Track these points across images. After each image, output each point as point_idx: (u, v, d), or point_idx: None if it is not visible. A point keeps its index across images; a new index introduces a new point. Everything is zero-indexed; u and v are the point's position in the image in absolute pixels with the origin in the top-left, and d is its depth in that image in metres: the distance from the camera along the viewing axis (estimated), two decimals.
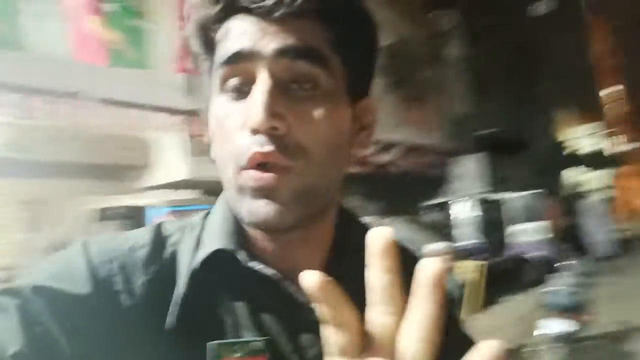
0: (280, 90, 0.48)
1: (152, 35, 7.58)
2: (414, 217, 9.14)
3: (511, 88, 18.24)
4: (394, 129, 9.87)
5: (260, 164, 0.48)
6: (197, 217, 0.60)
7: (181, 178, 7.48)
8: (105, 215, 6.43)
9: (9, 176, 6.62)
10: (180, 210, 6.18)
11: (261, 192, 0.48)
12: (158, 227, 0.58)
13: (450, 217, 10.59)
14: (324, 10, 0.49)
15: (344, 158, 0.55)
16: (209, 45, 0.52)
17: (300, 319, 0.52)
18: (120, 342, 0.47)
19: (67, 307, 0.47)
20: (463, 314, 5.44)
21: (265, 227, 0.50)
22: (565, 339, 4.53)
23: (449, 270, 6.23)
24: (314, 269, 0.52)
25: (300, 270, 0.50)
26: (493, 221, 10.41)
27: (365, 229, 0.60)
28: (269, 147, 0.47)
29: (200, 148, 7.57)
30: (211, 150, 0.56)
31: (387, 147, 9.88)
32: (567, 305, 4.65)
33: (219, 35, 0.51)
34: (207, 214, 0.61)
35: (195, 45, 0.54)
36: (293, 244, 0.55)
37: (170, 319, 0.50)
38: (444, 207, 10.93)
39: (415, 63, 11.60)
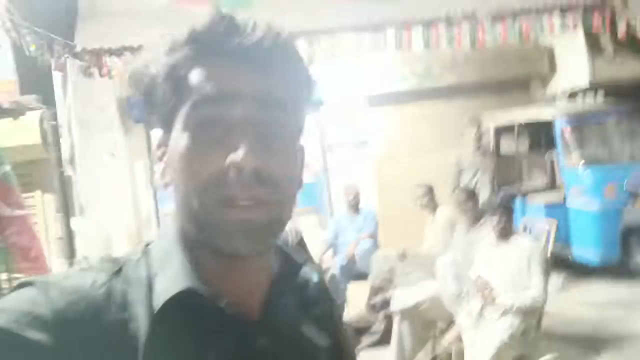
0: (256, 132, 0.54)
1: None
2: None
3: None
4: None
5: (241, 198, 0.52)
6: (135, 255, 0.59)
7: (586, 84, 6.82)
8: (504, 130, 6.51)
9: (417, 101, 7.49)
10: (582, 122, 5.65)
11: (241, 227, 0.53)
12: (104, 265, 0.57)
13: None
14: (285, 64, 0.57)
15: (296, 195, 0.60)
16: (179, 84, 0.55)
17: (252, 346, 0.57)
18: None
19: (33, 355, 0.46)
20: None
21: (233, 255, 0.54)
22: None
23: None
24: (260, 295, 0.61)
25: (249, 298, 0.60)
26: None
27: (294, 260, 0.68)
28: (250, 182, 0.52)
29: (603, 47, 6.68)
30: (162, 179, 0.59)
31: None
32: None
33: (192, 74, 0.55)
34: (146, 247, 0.60)
35: (162, 81, 0.56)
36: (246, 272, 0.59)
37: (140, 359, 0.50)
38: None
39: None
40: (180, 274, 0.54)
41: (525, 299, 2.97)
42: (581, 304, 4.72)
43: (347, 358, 0.77)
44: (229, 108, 0.53)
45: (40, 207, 4.28)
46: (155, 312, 0.52)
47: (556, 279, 5.23)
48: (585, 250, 5.23)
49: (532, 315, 3.07)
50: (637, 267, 5.01)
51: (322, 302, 0.72)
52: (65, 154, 4.77)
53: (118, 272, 0.56)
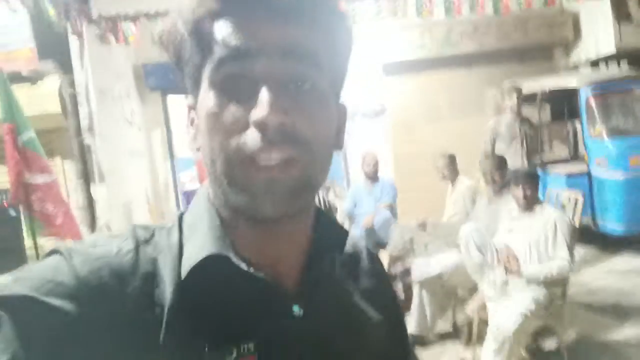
0: (283, 88, 0.50)
1: None
2: None
3: None
4: None
5: (266, 157, 0.49)
6: (171, 222, 0.59)
7: (611, 51, 6.63)
8: (525, 98, 6.36)
9: (436, 69, 7.36)
10: (607, 90, 5.51)
11: (266, 186, 0.50)
12: (135, 232, 0.56)
13: None
14: (318, 15, 0.53)
15: (332, 157, 0.57)
16: (204, 40, 0.52)
17: (286, 316, 0.55)
18: (115, 351, 0.47)
19: (56, 321, 0.45)
20: None
21: (263, 217, 0.51)
22: None
23: None
24: (296, 263, 0.58)
25: (283, 265, 0.57)
26: None
27: (339, 228, 0.64)
28: (275, 140, 0.49)
29: (631, 13, 6.46)
30: (192, 143, 0.57)
31: None
32: None
33: (216, 30, 0.52)
34: (182, 215, 0.59)
35: (188, 39, 0.53)
36: (279, 237, 0.56)
37: (163, 327, 0.49)
38: None
39: None
40: (207, 240, 0.53)
41: (552, 269, 2.93)
42: (605, 273, 4.69)
43: (403, 333, 0.74)
44: (252, 62, 0.50)
45: (60, 175, 4.30)
46: (181, 279, 0.51)
47: (580, 249, 5.20)
48: (609, 221, 5.16)
49: (557, 285, 3.03)
50: None
51: (374, 272, 0.69)
52: (84, 122, 4.75)
53: (149, 239, 0.55)
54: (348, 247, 0.65)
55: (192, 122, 0.57)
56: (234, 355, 0.50)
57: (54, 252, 0.51)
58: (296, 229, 0.58)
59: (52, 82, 4.38)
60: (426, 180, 6.16)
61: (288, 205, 0.51)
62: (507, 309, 2.89)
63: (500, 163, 3.79)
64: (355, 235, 0.70)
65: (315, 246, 0.60)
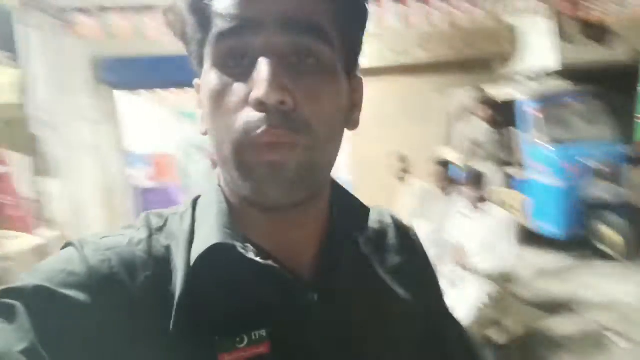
0: (284, 64, 0.48)
1: None
2: None
3: None
4: None
5: (269, 140, 0.47)
6: (185, 207, 0.59)
7: (550, 66, 7.09)
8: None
9: (388, 77, 7.62)
10: (548, 102, 5.91)
11: (269, 169, 0.48)
12: (148, 221, 0.56)
13: None
14: None
15: (341, 136, 0.54)
16: (204, 16, 0.51)
17: (297, 304, 0.53)
18: (127, 340, 0.47)
19: (69, 311, 0.46)
20: None
21: (270, 205, 0.50)
22: None
23: None
24: (310, 251, 0.57)
25: (296, 254, 0.56)
26: None
27: (360, 206, 0.61)
28: (276, 123, 0.47)
29: (572, 31, 6.94)
30: (201, 126, 0.55)
31: None
32: None
33: (215, 3, 0.50)
34: (196, 200, 0.59)
35: (188, 16, 0.52)
36: (291, 225, 0.55)
37: (173, 316, 0.49)
38: None
39: None
40: (214, 228, 0.52)
41: (499, 265, 3.17)
42: (541, 272, 5.04)
43: (442, 309, 0.72)
44: (251, 35, 0.48)
45: (13, 169, 4.17)
46: (190, 267, 0.51)
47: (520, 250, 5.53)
48: (546, 224, 5.52)
49: (504, 280, 3.27)
50: (592, 241, 5.32)
51: (404, 248, 0.67)
52: (36, 114, 4.63)
53: (162, 227, 0.55)
54: (373, 224, 0.63)
55: (199, 104, 0.55)
56: (245, 342, 0.50)
57: (67, 244, 0.51)
58: (308, 216, 0.56)
59: (7, 73, 4.26)
60: (377, 181, 6.38)
61: (294, 192, 0.50)
62: (460, 302, 3.10)
63: (445, 167, 4.04)
64: (383, 210, 0.68)
65: (333, 230, 0.58)
